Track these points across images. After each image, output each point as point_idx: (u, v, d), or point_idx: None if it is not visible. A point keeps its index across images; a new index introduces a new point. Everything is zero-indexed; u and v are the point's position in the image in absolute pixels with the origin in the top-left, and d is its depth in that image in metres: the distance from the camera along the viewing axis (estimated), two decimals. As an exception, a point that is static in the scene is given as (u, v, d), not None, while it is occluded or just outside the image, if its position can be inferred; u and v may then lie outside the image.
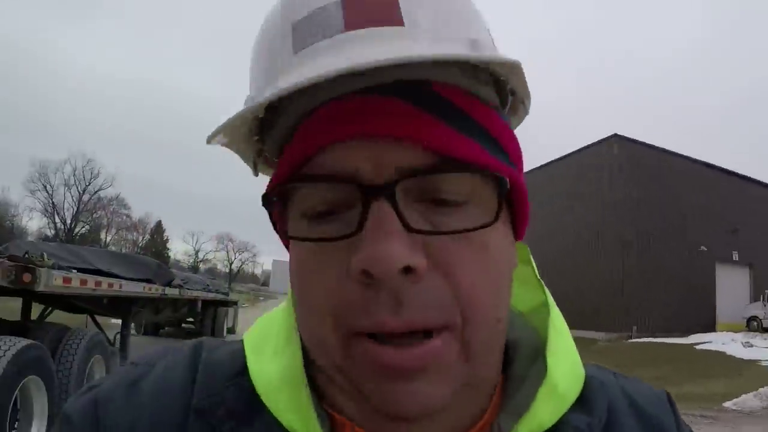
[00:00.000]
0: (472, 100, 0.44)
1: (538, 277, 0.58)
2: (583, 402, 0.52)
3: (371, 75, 0.41)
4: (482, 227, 0.43)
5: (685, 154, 27.43)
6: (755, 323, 25.01)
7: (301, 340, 0.50)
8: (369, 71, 0.39)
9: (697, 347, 18.71)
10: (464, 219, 0.43)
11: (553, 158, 29.19)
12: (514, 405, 0.50)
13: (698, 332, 22.03)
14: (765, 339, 20.01)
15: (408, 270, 0.40)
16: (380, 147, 0.41)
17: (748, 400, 10.40)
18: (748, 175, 29.49)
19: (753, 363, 15.22)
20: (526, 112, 0.52)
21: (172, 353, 0.55)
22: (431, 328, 0.41)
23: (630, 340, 21.43)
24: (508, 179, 0.43)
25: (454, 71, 0.43)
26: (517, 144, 0.48)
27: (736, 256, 26.89)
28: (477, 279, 0.42)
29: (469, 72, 0.44)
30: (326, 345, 0.44)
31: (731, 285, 26.94)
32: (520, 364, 0.54)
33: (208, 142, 0.44)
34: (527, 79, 0.47)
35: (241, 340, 0.56)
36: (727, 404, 10.35)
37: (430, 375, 0.42)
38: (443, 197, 0.42)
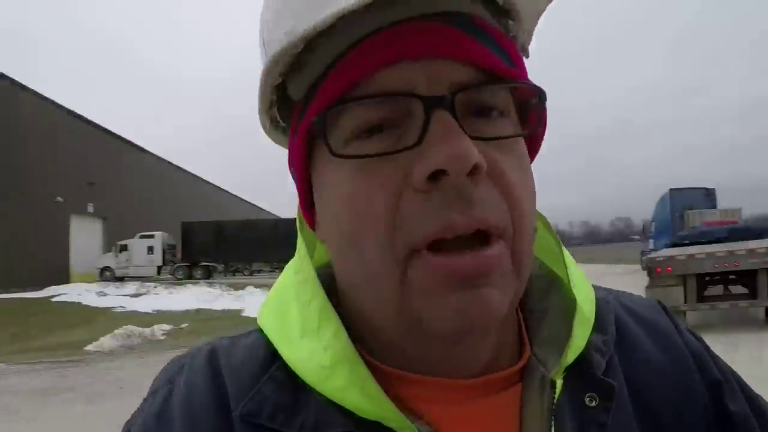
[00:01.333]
0: (498, 31, 0.47)
1: (545, 220, 0.60)
2: (597, 322, 0.56)
3: (415, 5, 0.43)
4: (521, 135, 0.47)
5: (52, 98, 27.15)
6: (108, 273, 27.38)
7: (336, 313, 0.50)
8: (414, 2, 0.43)
9: (54, 299, 19.24)
10: (508, 130, 0.46)
11: None
12: (547, 337, 0.54)
13: (54, 284, 22.52)
14: (117, 287, 22.12)
15: (473, 171, 0.41)
16: (433, 65, 0.43)
17: (105, 341, 11.75)
18: (107, 128, 31.38)
19: (107, 310, 16.81)
20: (527, 57, 0.53)
21: (188, 368, 0.54)
22: (494, 230, 0.43)
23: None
24: (544, 92, 0.48)
25: (481, 8, 0.47)
26: (526, 72, 0.51)
27: (91, 208, 28.28)
28: (522, 188, 0.45)
29: (492, 11, 0.48)
30: (380, 277, 0.44)
31: (85, 236, 28.28)
32: (534, 298, 0.57)
33: (262, 87, 0.47)
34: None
35: (255, 330, 0.56)
36: (89, 347, 11.44)
37: (494, 280, 0.42)
38: (490, 106, 0.45)
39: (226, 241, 29.24)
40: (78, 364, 10.06)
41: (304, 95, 0.48)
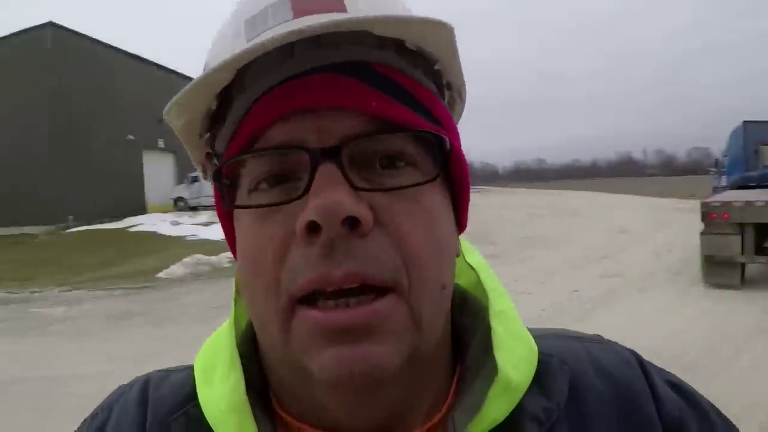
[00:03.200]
0: (407, 78, 0.46)
1: (467, 260, 0.58)
2: (540, 384, 0.51)
3: (313, 58, 0.43)
4: (422, 183, 0.45)
5: (118, 46, 28.22)
6: (182, 203, 28.67)
7: (243, 360, 0.52)
8: (311, 56, 0.43)
9: (131, 230, 20.39)
10: (406, 180, 0.44)
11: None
12: (468, 402, 0.49)
13: (132, 215, 23.92)
14: (190, 216, 23.32)
15: (354, 224, 0.41)
16: (324, 117, 0.43)
17: (175, 269, 12.55)
18: (175, 69, 32.39)
19: (180, 238, 17.74)
20: (463, 103, 0.54)
21: (124, 396, 0.57)
22: (378, 284, 0.41)
23: (69, 230, 21.71)
24: (446, 139, 0.46)
25: (392, 54, 0.45)
26: (451, 118, 0.51)
27: (162, 143, 29.45)
28: (421, 238, 0.43)
29: (406, 56, 0.46)
30: (268, 322, 0.45)
31: (158, 170, 29.69)
32: (474, 353, 0.53)
33: (165, 115, 0.47)
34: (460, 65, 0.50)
35: (190, 366, 0.57)
36: (160, 275, 12.30)
37: (377, 335, 0.41)
38: (385, 159, 0.45)
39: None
40: (150, 290, 10.91)
41: (224, 149, 0.49)
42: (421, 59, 0.48)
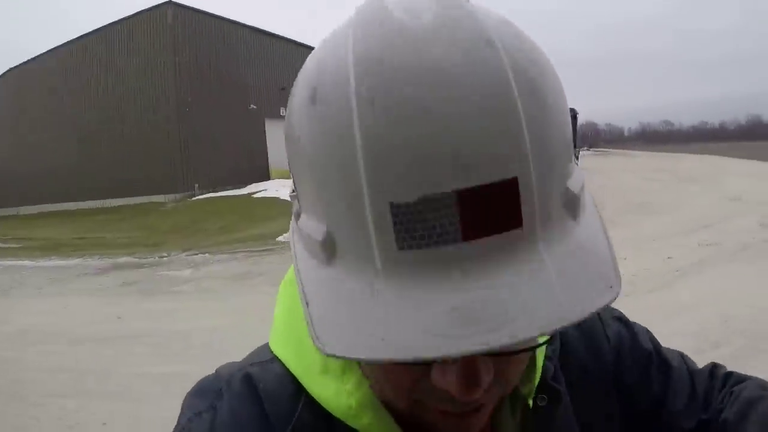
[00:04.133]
0: None
1: None
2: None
3: None
4: (537, 347, 0.50)
5: (237, 20, 29.40)
6: None
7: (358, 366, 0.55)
8: None
9: (255, 196, 21.43)
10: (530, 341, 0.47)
11: (106, 23, 27.51)
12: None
13: (255, 182, 24.97)
14: None
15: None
16: None
17: None
18: (294, 39, 33.36)
19: None
20: None
21: (227, 392, 0.59)
22: (488, 404, 0.51)
23: (194, 198, 23.13)
24: None
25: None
26: None
27: (283, 112, 30.29)
28: (517, 374, 0.52)
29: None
30: (392, 401, 0.52)
31: (281, 137, 30.83)
32: None
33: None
34: None
35: (274, 358, 0.60)
36: (280, 238, 12.93)
37: (474, 416, 0.50)
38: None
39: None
40: (270, 253, 11.45)
41: None
42: None
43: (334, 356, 0.38)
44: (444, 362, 0.44)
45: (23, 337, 6.52)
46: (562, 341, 0.67)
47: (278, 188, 22.26)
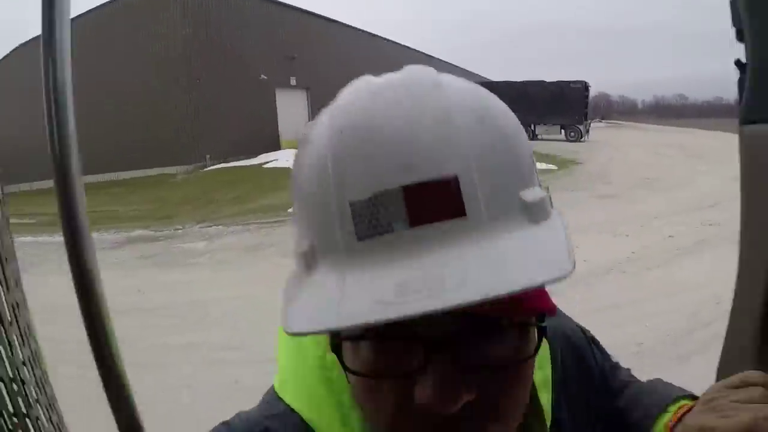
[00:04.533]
0: None
1: None
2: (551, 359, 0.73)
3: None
4: (527, 359, 0.52)
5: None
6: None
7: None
8: None
9: (265, 166, 21.53)
10: (510, 349, 0.50)
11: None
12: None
13: (266, 152, 25.13)
14: None
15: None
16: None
17: None
18: (302, 7, 32.96)
19: None
20: None
21: None
22: None
23: (206, 169, 23.29)
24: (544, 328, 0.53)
25: None
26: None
27: (293, 81, 30.43)
28: (512, 407, 0.53)
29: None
30: (378, 428, 0.54)
31: (291, 106, 30.80)
32: None
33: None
34: None
35: (287, 408, 0.62)
36: (291, 210, 12.91)
37: None
38: (496, 335, 0.50)
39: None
40: (281, 224, 11.63)
41: None
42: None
43: (298, 334, 0.44)
44: (424, 380, 0.48)
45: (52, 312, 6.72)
46: (565, 374, 0.74)
47: (288, 158, 22.15)
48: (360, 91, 0.51)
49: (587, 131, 31.84)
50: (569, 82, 31.08)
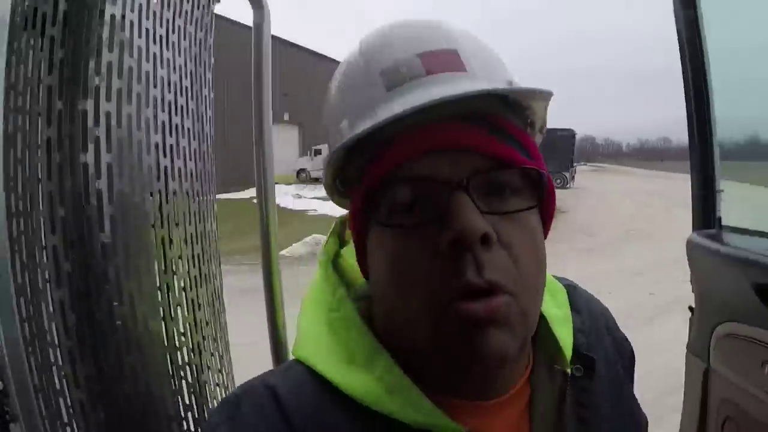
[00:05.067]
0: (511, 125, 0.58)
1: None
2: (572, 307, 0.73)
3: (443, 108, 0.53)
4: (530, 208, 0.57)
5: (239, 20, 29.42)
6: (303, 174, 29.83)
7: (384, 349, 0.60)
8: (440, 106, 0.52)
9: (255, 200, 20.95)
10: (515, 206, 0.56)
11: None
12: (546, 347, 0.67)
13: (255, 186, 24.94)
14: (313, 189, 23.99)
15: (484, 239, 0.52)
16: (456, 156, 0.54)
17: (296, 247, 12.88)
18: (296, 43, 33.43)
19: (301, 213, 18.41)
20: (542, 136, 0.66)
21: (244, 401, 0.59)
22: (502, 287, 0.53)
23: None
24: (545, 174, 0.58)
25: (497, 104, 0.58)
26: (541, 155, 0.61)
27: (287, 116, 30.89)
28: (529, 256, 0.56)
29: (506, 106, 0.59)
30: (417, 320, 0.54)
31: (284, 142, 31.10)
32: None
33: (328, 165, 0.62)
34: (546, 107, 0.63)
35: (294, 362, 0.63)
36: (283, 252, 12.66)
37: (502, 326, 0.52)
38: (502, 185, 0.56)
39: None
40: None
41: (358, 173, 0.60)
42: (517, 106, 0.62)
43: (351, 138, 0.55)
44: (451, 215, 0.52)
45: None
46: (590, 325, 0.74)
47: (279, 195, 22.03)
48: (384, 25, 0.64)
49: (572, 177, 32.25)
50: (557, 129, 31.49)
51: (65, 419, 0.84)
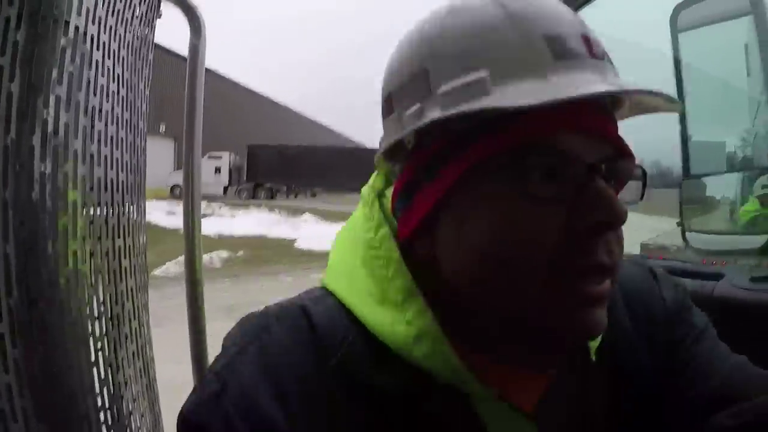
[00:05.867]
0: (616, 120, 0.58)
1: None
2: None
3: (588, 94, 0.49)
4: (640, 200, 0.59)
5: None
6: (178, 190, 28.48)
7: (422, 294, 0.57)
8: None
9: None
10: (632, 196, 0.58)
11: None
12: None
13: (126, 202, 23.86)
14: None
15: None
16: (588, 140, 0.52)
17: (171, 267, 12.00)
18: (172, 50, 32.07)
19: (175, 231, 16.40)
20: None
21: (280, 323, 0.57)
22: (616, 269, 0.54)
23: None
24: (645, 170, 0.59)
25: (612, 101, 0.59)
26: None
27: (162, 128, 29.87)
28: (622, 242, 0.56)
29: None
30: (529, 292, 0.52)
31: (158, 155, 29.46)
32: None
33: (421, 122, 0.52)
34: None
35: (327, 292, 0.61)
36: (157, 272, 11.68)
37: (605, 305, 0.54)
38: (625, 178, 0.56)
39: (289, 165, 30.79)
40: (149, 288, 10.90)
41: (454, 135, 0.54)
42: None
43: (508, 108, 0.47)
44: (591, 195, 0.51)
45: None
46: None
47: (151, 211, 20.60)
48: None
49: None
50: (344, 148, 32.53)
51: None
